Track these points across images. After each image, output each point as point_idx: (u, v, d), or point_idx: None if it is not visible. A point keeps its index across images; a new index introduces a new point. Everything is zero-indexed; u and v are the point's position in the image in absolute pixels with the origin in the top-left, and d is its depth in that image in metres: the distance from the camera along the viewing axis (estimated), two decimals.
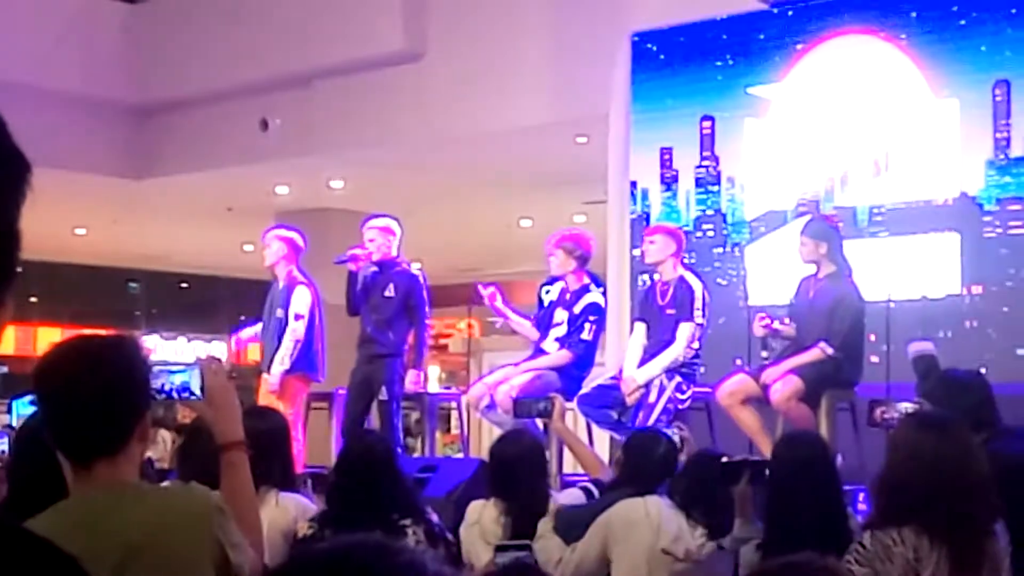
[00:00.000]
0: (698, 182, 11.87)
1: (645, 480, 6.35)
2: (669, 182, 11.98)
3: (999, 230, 10.39)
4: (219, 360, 3.95)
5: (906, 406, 5.75)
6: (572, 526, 6.13)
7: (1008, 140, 10.36)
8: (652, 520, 5.95)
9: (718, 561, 6.00)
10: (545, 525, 6.22)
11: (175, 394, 3.64)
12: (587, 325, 9.90)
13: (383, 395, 10.20)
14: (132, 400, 3.16)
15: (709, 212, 11.79)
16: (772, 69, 11.50)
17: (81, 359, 3.14)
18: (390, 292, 10.40)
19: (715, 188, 11.79)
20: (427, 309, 10.57)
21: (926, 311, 10.29)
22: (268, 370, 10.58)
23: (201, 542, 3.13)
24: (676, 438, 7.73)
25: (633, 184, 12.13)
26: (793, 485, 5.38)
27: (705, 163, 11.84)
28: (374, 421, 10.39)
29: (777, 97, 11.50)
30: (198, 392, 3.61)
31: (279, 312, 10.62)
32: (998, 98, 10.41)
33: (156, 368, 3.48)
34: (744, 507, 6.11)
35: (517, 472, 6.46)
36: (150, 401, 3.26)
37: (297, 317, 10.53)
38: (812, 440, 5.90)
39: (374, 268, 10.52)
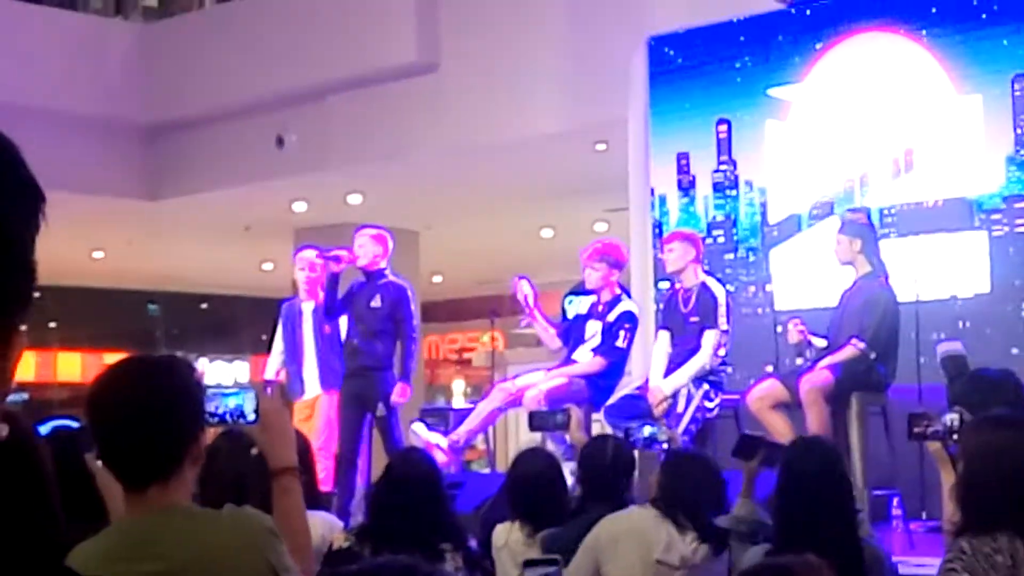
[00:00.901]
0: (716, 187, 11.73)
1: (605, 486, 6.25)
2: (687, 188, 11.84)
3: (1006, 228, 10.24)
4: (274, 384, 3.95)
5: (952, 417, 5.61)
6: (557, 551, 5.97)
7: None
8: (639, 532, 5.84)
9: (715, 563, 5.89)
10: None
11: (228, 417, 3.59)
12: (622, 333, 9.82)
13: (381, 411, 10.08)
14: (185, 423, 3.15)
15: (719, 218, 11.63)
16: (792, 70, 11.37)
17: (134, 381, 3.14)
18: (376, 303, 10.26)
19: (733, 192, 11.65)
20: (415, 323, 10.44)
21: (940, 311, 10.09)
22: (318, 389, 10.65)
23: (253, 565, 3.10)
24: (663, 437, 7.62)
25: (651, 191, 12.01)
26: (804, 494, 5.28)
27: (722, 167, 11.70)
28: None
29: (798, 98, 11.37)
30: (252, 416, 3.57)
31: (326, 328, 10.66)
32: (1017, 93, 10.27)
33: (210, 391, 3.49)
34: (749, 486, 6.03)
35: (537, 491, 6.38)
36: (203, 424, 3.26)
37: None
38: (824, 449, 5.78)
39: (362, 278, 10.42)
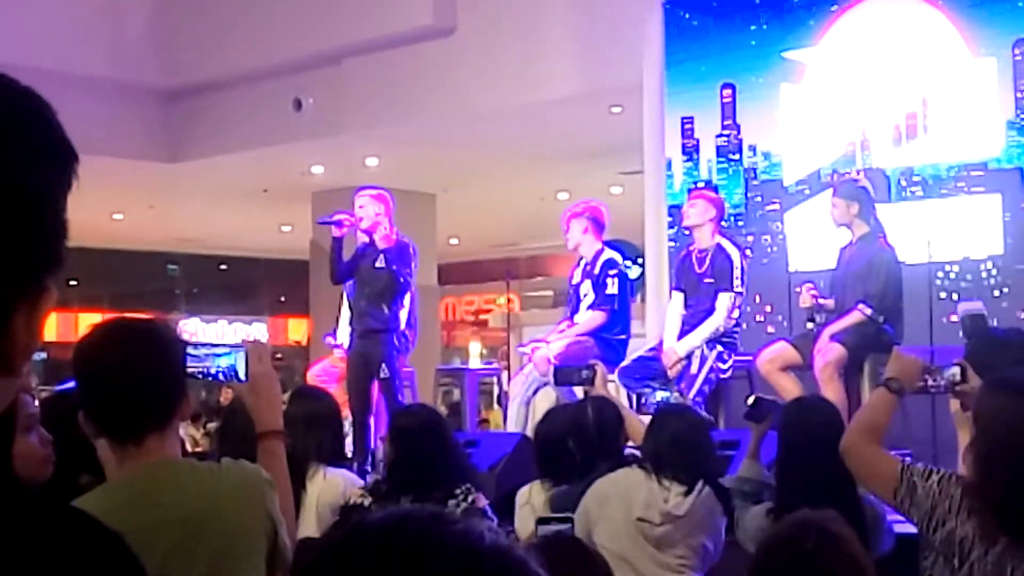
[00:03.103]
0: (719, 151, 11.73)
1: (597, 447, 6.30)
2: (691, 152, 11.84)
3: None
4: (266, 345, 3.94)
5: (954, 372, 5.62)
6: (567, 509, 5.95)
7: None
8: (623, 493, 5.84)
9: (711, 517, 5.90)
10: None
11: (220, 376, 3.60)
12: (609, 280, 9.87)
13: (384, 373, 10.01)
14: (177, 375, 3.21)
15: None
16: (807, 33, 11.35)
17: (130, 335, 3.17)
18: (381, 264, 10.01)
19: (736, 157, 11.64)
20: (412, 280, 10.21)
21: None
22: None
23: (256, 515, 3.17)
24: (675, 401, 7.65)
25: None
26: (804, 453, 5.32)
27: (726, 131, 11.69)
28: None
29: (813, 61, 11.37)
30: (243, 375, 3.58)
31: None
32: (1018, 57, 10.26)
33: (203, 351, 3.52)
34: (756, 447, 6.06)
35: (561, 449, 6.40)
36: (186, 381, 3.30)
37: None
38: (822, 405, 5.83)
39: (365, 239, 10.19)
